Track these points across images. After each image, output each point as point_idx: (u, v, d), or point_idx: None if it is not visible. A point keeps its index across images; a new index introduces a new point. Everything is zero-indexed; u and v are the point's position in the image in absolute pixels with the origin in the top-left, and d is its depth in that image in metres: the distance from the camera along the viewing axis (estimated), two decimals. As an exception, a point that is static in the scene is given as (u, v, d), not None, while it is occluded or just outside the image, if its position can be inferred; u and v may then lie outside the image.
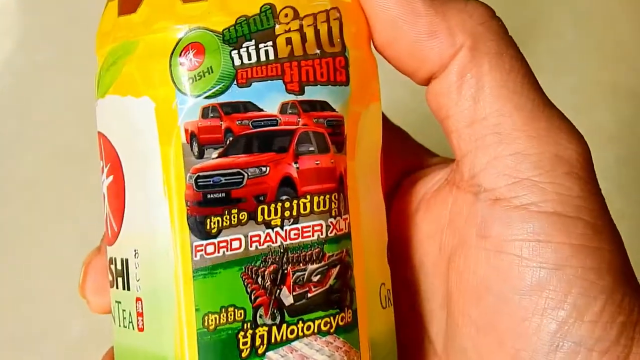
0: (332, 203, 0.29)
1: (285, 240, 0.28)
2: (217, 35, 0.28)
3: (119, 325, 0.30)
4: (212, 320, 0.28)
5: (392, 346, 0.31)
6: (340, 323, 0.29)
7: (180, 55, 0.28)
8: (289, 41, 0.28)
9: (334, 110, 0.29)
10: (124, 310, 0.30)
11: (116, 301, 0.31)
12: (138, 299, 0.29)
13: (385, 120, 0.34)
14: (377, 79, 0.31)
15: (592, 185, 0.30)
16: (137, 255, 0.29)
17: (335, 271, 0.29)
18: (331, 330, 0.29)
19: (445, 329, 0.32)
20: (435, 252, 0.32)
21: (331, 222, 0.29)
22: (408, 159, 0.35)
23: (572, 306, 0.28)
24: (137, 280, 0.29)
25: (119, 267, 0.30)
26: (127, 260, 0.30)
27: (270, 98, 0.28)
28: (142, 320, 0.29)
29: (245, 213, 0.28)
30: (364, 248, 0.30)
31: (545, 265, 0.29)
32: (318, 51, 0.29)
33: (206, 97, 0.28)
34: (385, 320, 0.31)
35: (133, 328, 0.29)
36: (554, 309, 0.29)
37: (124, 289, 0.30)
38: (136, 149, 0.29)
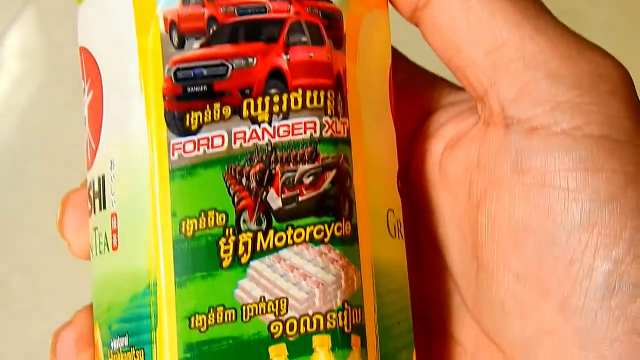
0: (328, 101, 0.26)
1: (274, 138, 0.25)
2: None
3: (95, 254, 0.27)
4: (189, 225, 0.25)
5: (403, 282, 0.27)
6: (337, 233, 0.25)
7: None
8: None
9: (330, 1, 0.26)
10: (100, 235, 0.27)
11: (94, 229, 0.27)
12: (113, 215, 0.26)
13: (401, 57, 0.31)
14: None
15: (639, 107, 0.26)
16: (112, 166, 0.26)
17: (330, 175, 0.25)
18: (325, 240, 0.25)
19: (476, 282, 0.28)
20: (464, 198, 0.28)
21: (326, 121, 0.25)
22: (429, 98, 0.31)
23: (629, 242, 0.24)
24: (113, 195, 0.26)
25: (96, 188, 0.27)
26: (103, 176, 0.27)
27: None
28: (117, 237, 0.26)
29: (228, 107, 0.25)
30: (367, 164, 0.26)
31: (596, 197, 0.25)
32: None
33: None
34: (395, 250, 0.27)
35: (108, 249, 0.26)
36: (608, 247, 0.25)
37: (100, 209, 0.27)
38: (113, 45, 0.26)
